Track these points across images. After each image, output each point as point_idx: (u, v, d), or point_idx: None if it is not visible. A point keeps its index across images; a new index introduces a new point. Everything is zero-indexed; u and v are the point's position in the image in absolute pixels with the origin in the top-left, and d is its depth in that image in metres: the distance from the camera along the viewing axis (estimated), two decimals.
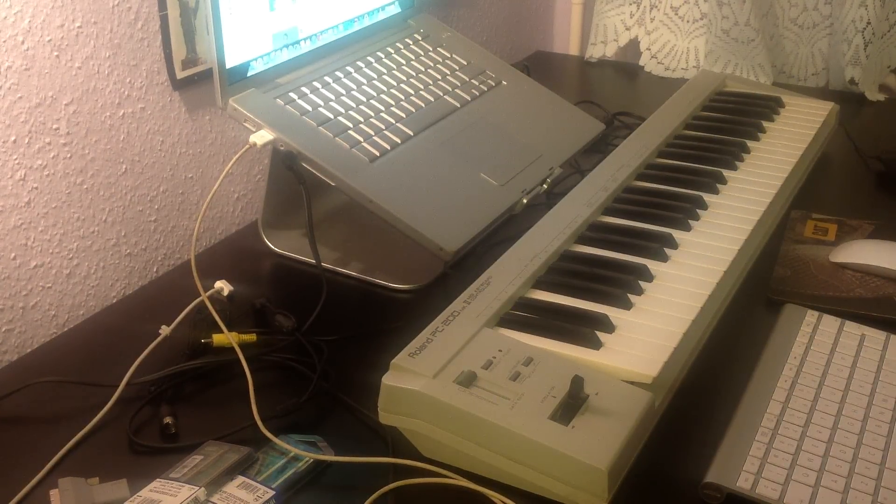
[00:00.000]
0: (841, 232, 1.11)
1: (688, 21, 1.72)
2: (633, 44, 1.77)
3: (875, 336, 0.89)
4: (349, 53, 1.18)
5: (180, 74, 1.09)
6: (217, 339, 0.90)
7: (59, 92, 0.96)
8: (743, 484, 0.71)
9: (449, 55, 1.29)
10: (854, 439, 0.76)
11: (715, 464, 0.73)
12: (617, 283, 0.90)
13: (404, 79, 1.20)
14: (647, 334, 0.84)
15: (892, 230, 1.10)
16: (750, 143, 1.23)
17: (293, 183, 1.01)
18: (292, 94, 1.07)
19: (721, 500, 0.72)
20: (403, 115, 1.14)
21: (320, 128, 1.05)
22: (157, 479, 0.73)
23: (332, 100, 1.10)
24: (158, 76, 1.07)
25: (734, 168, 1.16)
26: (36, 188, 0.96)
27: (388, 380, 0.77)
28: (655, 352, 0.81)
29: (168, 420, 0.81)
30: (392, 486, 0.74)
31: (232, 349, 0.88)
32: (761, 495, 0.70)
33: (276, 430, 0.78)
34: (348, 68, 1.16)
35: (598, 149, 1.29)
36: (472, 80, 1.26)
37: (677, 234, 0.99)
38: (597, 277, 0.91)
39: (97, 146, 1.01)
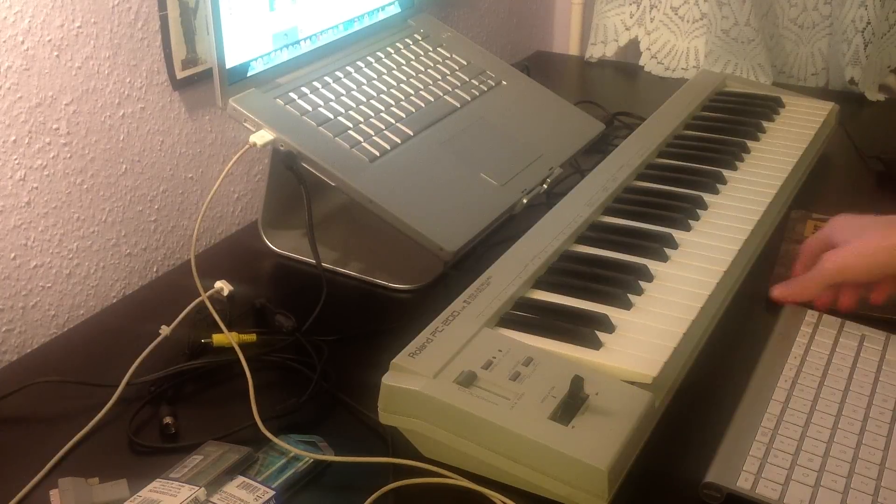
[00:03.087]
0: None
1: (688, 21, 1.72)
2: (633, 44, 1.77)
3: (875, 336, 0.89)
4: (349, 53, 1.18)
5: (180, 74, 1.09)
6: (217, 339, 0.90)
7: (59, 92, 0.96)
8: (743, 484, 0.71)
9: (449, 55, 1.29)
10: (854, 439, 0.76)
11: (715, 464, 0.73)
12: (617, 283, 0.90)
13: (404, 79, 1.20)
14: (647, 334, 0.84)
15: None
16: (750, 143, 1.23)
17: (293, 183, 1.01)
18: (292, 94, 1.07)
19: (721, 500, 0.72)
20: (403, 115, 1.14)
21: (320, 128, 1.05)
22: (157, 479, 0.73)
23: (332, 100, 1.10)
24: (158, 76, 1.07)
25: (734, 168, 1.16)
26: (36, 188, 0.96)
27: (388, 380, 0.77)
28: (655, 352, 0.81)
29: (168, 420, 0.81)
30: (392, 486, 0.74)
31: (232, 349, 0.88)
32: (761, 495, 0.70)
33: (276, 430, 0.78)
34: (348, 68, 1.16)
35: (598, 149, 1.29)
36: (472, 80, 1.26)
37: (677, 234, 0.99)
38: (597, 277, 0.91)
39: (97, 146, 1.01)
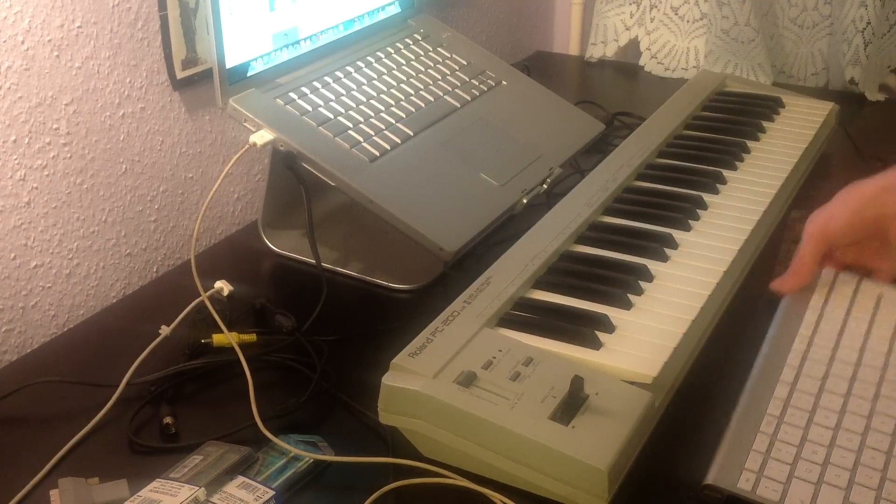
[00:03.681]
0: None
1: (688, 21, 1.72)
2: (633, 44, 1.77)
3: (893, 296, 0.87)
4: (349, 53, 1.18)
5: (180, 74, 1.09)
6: (217, 339, 0.90)
7: (59, 92, 0.96)
8: (744, 485, 0.71)
9: (449, 55, 1.29)
10: (862, 423, 0.75)
11: (715, 464, 0.73)
12: (617, 283, 0.90)
13: (404, 79, 1.20)
14: (647, 334, 0.84)
15: None
16: (750, 143, 1.23)
17: (293, 183, 1.01)
18: (292, 94, 1.07)
19: (722, 500, 0.72)
20: (403, 115, 1.14)
21: (320, 128, 1.05)
22: (157, 479, 0.73)
23: (332, 100, 1.10)
24: (158, 76, 1.07)
25: (734, 168, 1.16)
26: (36, 188, 0.96)
27: (388, 380, 0.77)
28: (655, 352, 0.81)
29: (168, 420, 0.81)
30: (392, 486, 0.74)
31: (232, 349, 0.88)
32: (762, 497, 0.70)
33: (276, 430, 0.78)
34: (348, 68, 1.16)
35: (598, 149, 1.29)
36: (472, 80, 1.26)
37: (677, 234, 0.99)
38: (597, 277, 0.91)
39: (97, 146, 1.01)
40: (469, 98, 1.23)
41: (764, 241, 1.05)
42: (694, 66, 1.71)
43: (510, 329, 0.84)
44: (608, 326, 0.84)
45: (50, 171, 0.97)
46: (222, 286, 0.95)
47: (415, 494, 0.75)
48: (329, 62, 1.15)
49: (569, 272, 0.93)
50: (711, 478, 0.72)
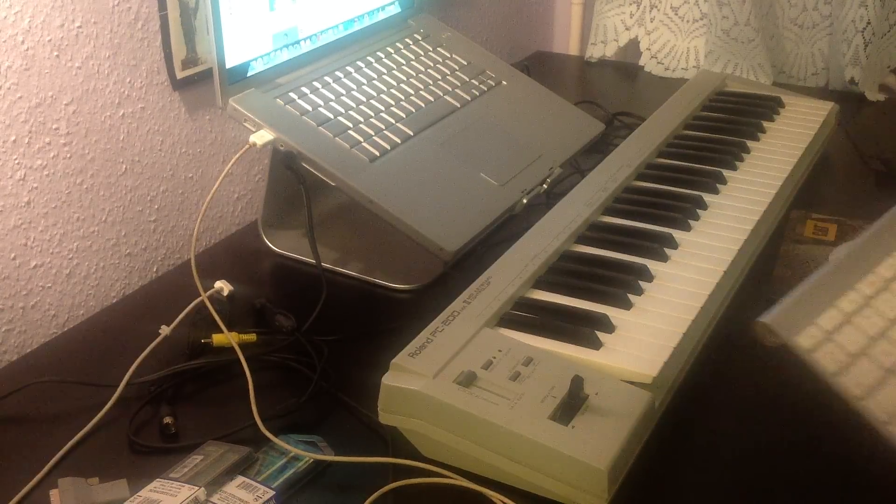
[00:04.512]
0: (841, 232, 1.11)
1: (688, 21, 1.72)
2: (633, 44, 1.77)
3: None
4: (349, 53, 1.18)
5: (180, 74, 1.09)
6: (217, 339, 0.90)
7: (59, 92, 0.96)
8: (804, 341, 0.58)
9: (449, 55, 1.29)
10: None
11: (781, 308, 0.60)
12: (617, 283, 0.90)
13: (404, 79, 1.20)
14: (647, 334, 0.84)
15: None
16: (750, 143, 1.23)
17: (293, 183, 1.01)
18: (292, 94, 1.07)
19: (774, 347, 0.60)
20: (403, 115, 1.14)
21: (320, 128, 1.05)
22: (157, 479, 0.73)
23: (332, 100, 1.10)
24: (158, 76, 1.07)
25: (734, 168, 1.16)
26: (36, 188, 0.96)
27: (388, 380, 0.77)
28: (655, 352, 0.81)
29: (168, 420, 0.81)
30: (392, 486, 0.74)
31: (232, 349, 0.88)
32: (820, 361, 0.58)
33: (276, 430, 0.78)
34: (348, 68, 1.16)
35: (598, 149, 1.29)
36: (472, 80, 1.26)
37: (677, 234, 0.99)
38: (597, 277, 0.91)
39: (97, 146, 1.01)
40: (469, 98, 1.23)
41: (764, 241, 1.05)
42: (694, 66, 1.71)
43: (510, 329, 0.84)
44: (608, 326, 0.84)
45: (50, 171, 0.97)
46: (222, 286, 0.95)
47: (415, 494, 0.75)
48: (329, 62, 1.15)
49: (569, 272, 0.93)
50: (770, 318, 0.59)
